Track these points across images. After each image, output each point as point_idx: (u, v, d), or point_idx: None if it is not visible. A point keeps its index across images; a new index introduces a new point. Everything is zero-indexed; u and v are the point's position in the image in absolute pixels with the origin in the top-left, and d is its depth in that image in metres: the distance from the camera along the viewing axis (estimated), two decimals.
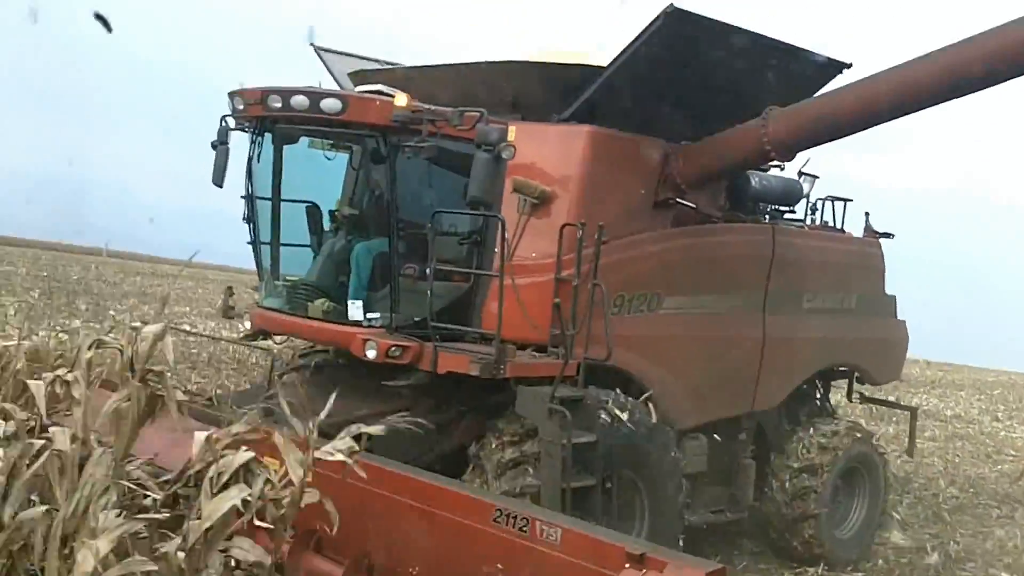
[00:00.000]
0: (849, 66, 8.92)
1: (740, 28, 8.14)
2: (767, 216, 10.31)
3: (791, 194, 10.41)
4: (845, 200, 11.42)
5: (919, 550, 11.11)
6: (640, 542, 5.09)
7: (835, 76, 8.90)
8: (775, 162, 9.18)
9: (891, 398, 13.20)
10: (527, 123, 8.37)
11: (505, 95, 8.59)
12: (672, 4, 7.65)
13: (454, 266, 8.21)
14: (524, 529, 5.23)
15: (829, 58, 8.91)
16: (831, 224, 11.35)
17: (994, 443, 20.32)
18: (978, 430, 22.11)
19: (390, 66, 9.91)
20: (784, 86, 8.56)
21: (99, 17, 4.77)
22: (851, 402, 12.27)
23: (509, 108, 8.56)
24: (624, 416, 7.71)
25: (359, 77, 9.34)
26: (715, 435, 9.48)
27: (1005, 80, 7.25)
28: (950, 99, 7.48)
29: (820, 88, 8.71)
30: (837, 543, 10.25)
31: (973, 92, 7.41)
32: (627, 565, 4.65)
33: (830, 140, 8.35)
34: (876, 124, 7.89)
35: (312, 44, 10.21)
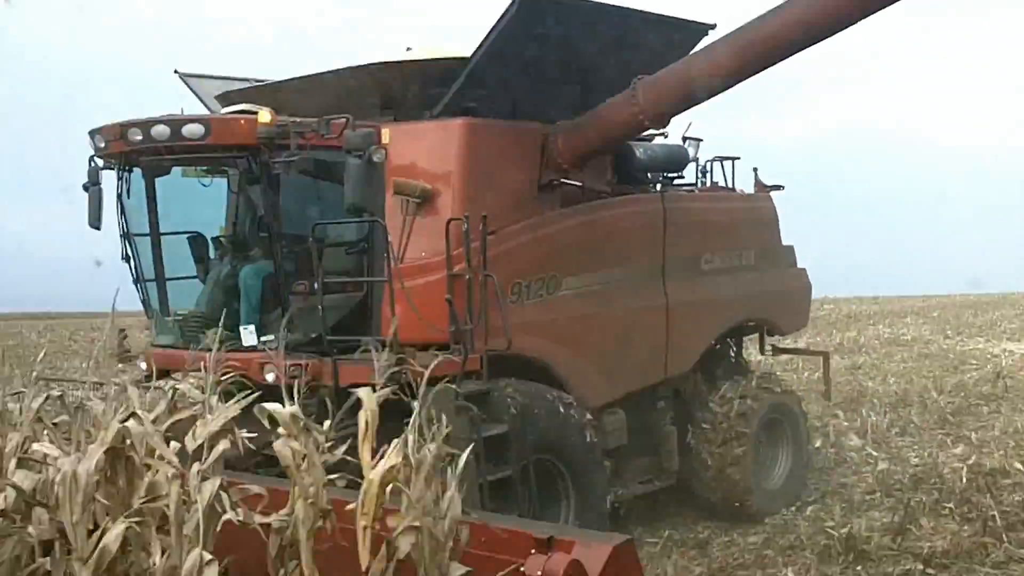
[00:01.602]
0: (713, 27, 9.00)
1: (597, 3, 8.16)
2: (657, 185, 10.37)
3: (677, 160, 10.47)
4: (733, 159, 11.52)
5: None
6: (547, 525, 5.09)
7: (700, 39, 8.97)
8: (654, 130, 9.21)
9: (839, 337, 14.11)
10: (401, 123, 8.31)
11: (375, 98, 8.50)
12: None
13: (346, 276, 8.12)
14: None
15: (692, 21, 8.99)
16: (722, 184, 11.46)
17: (956, 356, 22.57)
18: (937, 348, 24.38)
19: (257, 83, 9.73)
20: (653, 55, 8.57)
21: None
22: (764, 355, 12.42)
23: (380, 110, 8.48)
24: (532, 404, 7.69)
25: (226, 99, 9.17)
26: (632, 407, 9.52)
27: (859, 20, 7.36)
28: (810, 45, 7.57)
29: (687, 52, 8.77)
30: (764, 495, 10.38)
31: (833, 34, 7.49)
32: (533, 551, 4.63)
33: (700, 101, 8.40)
34: (743, 79, 7.95)
35: (176, 71, 9.99)
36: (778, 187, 11.76)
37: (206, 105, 9.77)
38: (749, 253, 10.97)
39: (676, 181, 10.76)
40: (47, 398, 5.36)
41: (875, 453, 12.88)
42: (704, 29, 9.01)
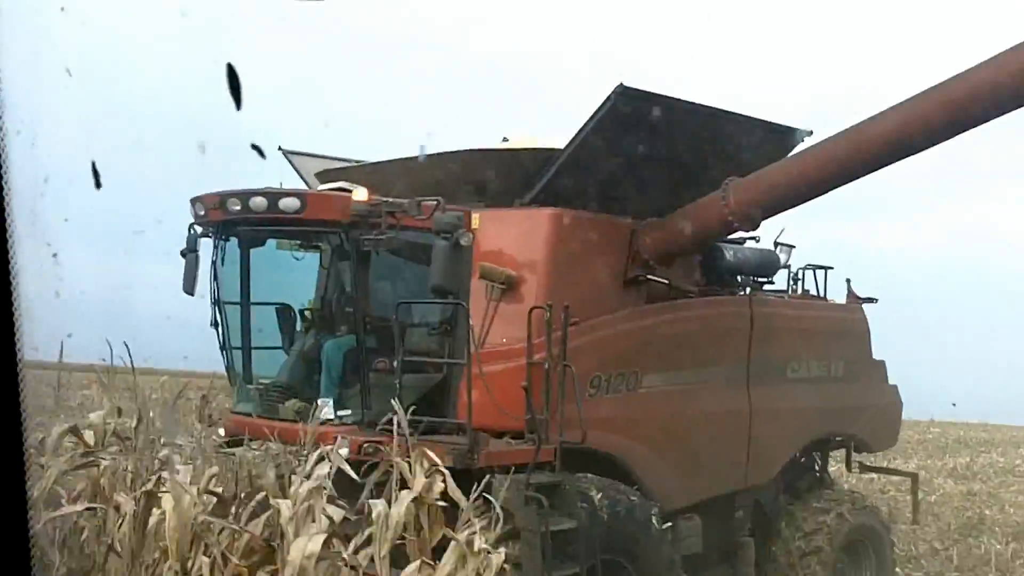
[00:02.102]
0: (810, 133, 8.99)
1: (690, 103, 8.21)
2: (746, 288, 10.24)
3: (768, 264, 10.35)
4: (826, 268, 11.37)
5: None
6: None
7: (796, 144, 8.96)
8: (742, 232, 9.14)
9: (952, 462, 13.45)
10: (491, 209, 8.39)
11: (469, 183, 8.62)
12: (622, 84, 7.73)
13: (426, 356, 8.13)
14: None
15: (787, 126, 8.98)
16: (813, 292, 11.27)
17: None
18: None
19: (355, 163, 9.98)
20: (745, 156, 8.58)
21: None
22: (850, 472, 12.01)
23: (473, 196, 8.59)
24: (606, 501, 7.52)
25: (325, 176, 9.41)
26: (710, 514, 9.25)
27: (960, 133, 7.26)
28: (905, 156, 7.48)
29: (782, 156, 8.74)
30: None
31: (928, 148, 7.41)
32: None
33: (791, 207, 8.35)
34: (835, 187, 7.89)
35: (280, 148, 10.30)
36: (871, 300, 11.52)
37: (306, 181, 10.04)
38: (838, 364, 10.71)
39: (766, 286, 10.62)
40: None
41: None
42: (800, 136, 8.99)
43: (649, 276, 8.76)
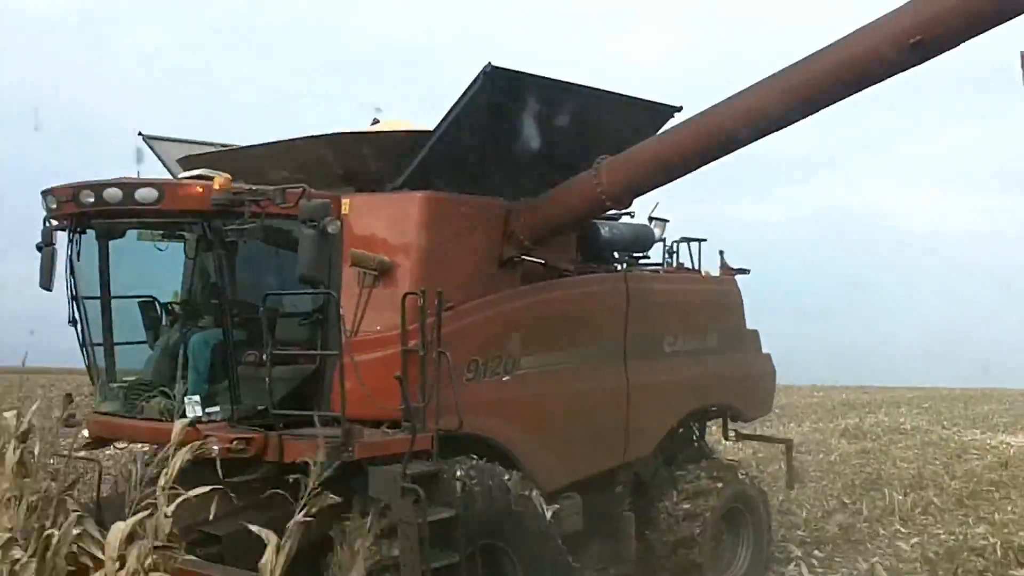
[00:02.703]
0: (679, 109, 9.02)
1: (562, 82, 8.14)
2: (622, 264, 10.27)
3: (643, 240, 10.40)
4: (699, 240, 11.49)
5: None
6: None
7: (667, 120, 8.99)
8: (616, 210, 9.13)
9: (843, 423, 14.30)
10: (361, 194, 8.19)
11: (337, 168, 8.40)
12: (490, 63, 7.60)
13: (298, 348, 7.91)
14: None
15: (658, 103, 9.00)
16: (688, 266, 11.40)
17: (957, 445, 23.34)
18: (937, 437, 25.11)
19: (221, 148, 9.63)
20: (618, 135, 8.53)
21: None
22: (727, 440, 12.24)
23: (342, 181, 8.38)
24: (480, 485, 7.45)
25: (188, 163, 9.04)
26: (590, 491, 9.29)
27: (824, 106, 7.33)
28: (771, 132, 7.55)
29: (654, 133, 8.74)
30: None
31: (801, 119, 7.45)
32: None
33: (662, 183, 8.36)
34: (704, 163, 7.91)
35: (140, 133, 9.88)
36: (744, 271, 11.71)
37: (168, 168, 9.66)
38: (713, 336, 10.86)
39: (642, 261, 10.68)
40: None
41: (904, 530, 13.69)
42: (671, 111, 9.03)
43: (524, 256, 8.69)
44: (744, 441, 12.98)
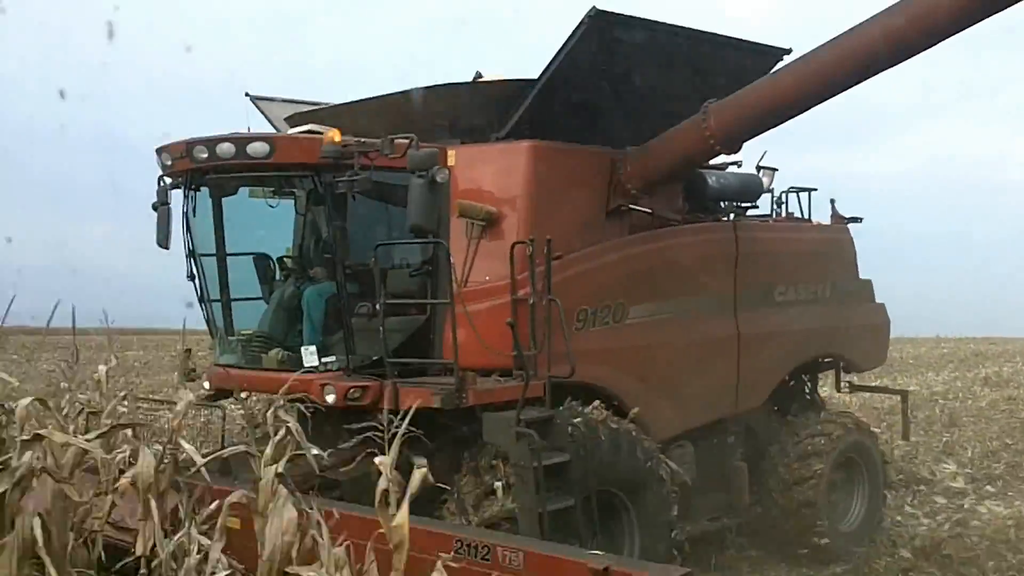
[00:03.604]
0: (788, 51, 8.78)
1: (668, 24, 7.99)
2: (730, 214, 10.10)
3: (751, 189, 10.21)
4: (809, 190, 11.24)
5: None
6: (604, 556, 4.85)
7: (775, 64, 8.74)
8: (724, 156, 8.97)
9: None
10: (467, 145, 8.21)
11: (442, 119, 8.43)
12: (595, 7, 7.50)
13: (408, 299, 8.00)
14: (486, 557, 5.03)
15: (766, 45, 8.78)
16: (797, 215, 11.16)
17: None
18: None
19: (325, 105, 9.74)
20: (726, 79, 8.36)
21: None
22: (840, 392, 12.00)
23: (447, 132, 8.40)
24: (595, 432, 7.45)
25: (294, 120, 9.18)
26: (702, 441, 9.23)
27: (937, 43, 7.08)
28: (884, 69, 7.31)
29: (761, 77, 8.54)
30: (840, 537, 10.00)
31: (908, 58, 7.22)
32: None
33: (772, 126, 8.16)
34: (815, 104, 7.70)
35: (247, 94, 10.06)
36: (856, 219, 11.42)
37: (275, 127, 9.81)
38: (825, 286, 10.62)
39: (750, 211, 10.49)
40: None
41: None
42: (779, 53, 8.79)
43: (632, 206, 8.61)
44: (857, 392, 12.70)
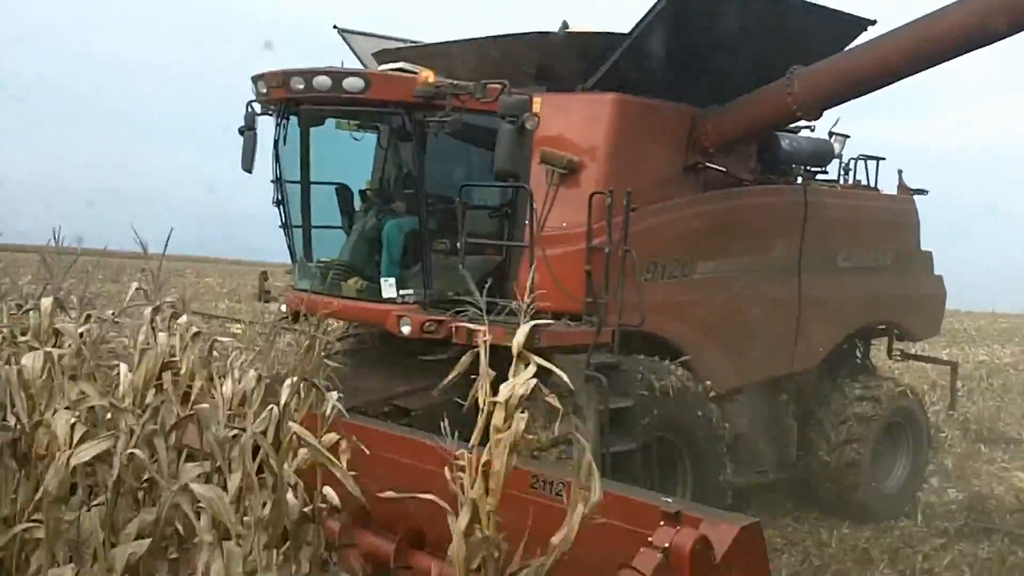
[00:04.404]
0: (873, 22, 8.83)
1: None
2: (800, 177, 10.22)
3: (822, 154, 10.32)
4: (877, 159, 11.30)
5: None
6: (676, 501, 5.11)
7: (860, 33, 8.82)
8: (803, 122, 9.09)
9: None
10: (552, 94, 8.37)
11: (529, 67, 8.58)
12: None
13: (486, 239, 8.25)
14: (560, 494, 5.28)
15: (852, 15, 8.83)
16: (864, 183, 11.24)
17: None
18: None
19: (413, 44, 9.93)
20: (808, 45, 8.45)
21: None
22: (891, 359, 12.17)
23: (534, 80, 8.57)
24: (661, 381, 7.73)
25: (383, 57, 9.38)
26: (756, 397, 9.49)
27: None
28: (972, 49, 7.39)
29: (845, 46, 8.63)
30: (882, 498, 10.30)
31: (995, 41, 7.30)
32: (662, 523, 4.70)
33: (856, 97, 8.27)
34: (900, 78, 7.82)
35: (335, 27, 10.26)
36: (922, 191, 11.49)
37: (362, 62, 10.01)
38: (887, 254, 10.77)
39: (819, 176, 10.60)
40: None
41: None
42: (864, 24, 8.85)
43: (707, 164, 8.78)
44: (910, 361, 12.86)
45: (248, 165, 8.87)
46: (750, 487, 9.48)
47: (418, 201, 8.12)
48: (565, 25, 9.14)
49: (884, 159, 11.33)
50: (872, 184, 11.24)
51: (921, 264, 11.39)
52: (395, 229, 8.37)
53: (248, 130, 8.79)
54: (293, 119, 8.60)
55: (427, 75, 7.63)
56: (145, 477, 4.91)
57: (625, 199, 7.64)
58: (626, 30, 8.14)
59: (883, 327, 11.26)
